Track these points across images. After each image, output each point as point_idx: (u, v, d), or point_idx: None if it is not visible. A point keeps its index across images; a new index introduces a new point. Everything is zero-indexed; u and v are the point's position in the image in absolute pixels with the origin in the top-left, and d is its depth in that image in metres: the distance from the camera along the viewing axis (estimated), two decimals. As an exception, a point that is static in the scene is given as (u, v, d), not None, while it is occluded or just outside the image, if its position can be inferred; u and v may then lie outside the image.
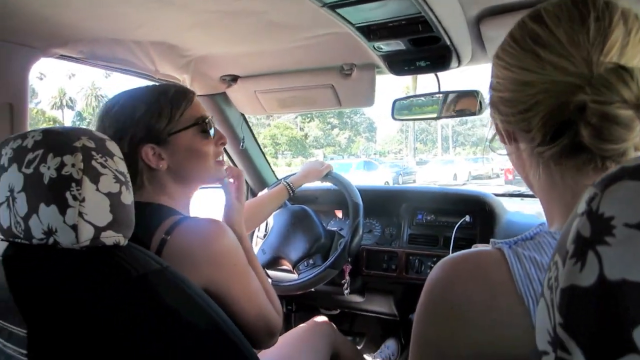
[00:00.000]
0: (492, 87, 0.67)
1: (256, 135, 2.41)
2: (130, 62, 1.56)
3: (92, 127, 1.04)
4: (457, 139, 51.36)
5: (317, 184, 2.10)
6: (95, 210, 0.78)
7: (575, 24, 0.57)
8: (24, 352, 0.86)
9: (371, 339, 2.51)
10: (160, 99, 1.11)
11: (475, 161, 25.28)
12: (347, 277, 1.93)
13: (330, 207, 2.35)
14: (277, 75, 1.89)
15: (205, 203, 1.82)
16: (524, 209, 2.08)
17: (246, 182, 2.43)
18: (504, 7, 1.20)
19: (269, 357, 1.43)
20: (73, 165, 0.76)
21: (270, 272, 2.04)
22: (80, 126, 1.09)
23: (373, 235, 2.16)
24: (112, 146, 0.85)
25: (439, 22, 1.20)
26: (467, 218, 1.94)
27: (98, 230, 0.78)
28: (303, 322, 1.83)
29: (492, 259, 0.59)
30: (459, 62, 1.53)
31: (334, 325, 1.87)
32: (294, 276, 1.93)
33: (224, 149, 2.23)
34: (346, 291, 1.95)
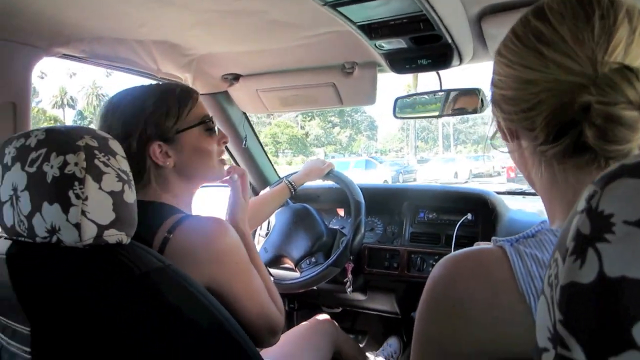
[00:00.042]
0: (494, 85, 0.66)
1: (257, 134, 2.41)
2: (132, 61, 1.57)
3: (93, 126, 1.05)
4: (459, 137, 51.26)
5: (319, 183, 2.10)
6: (98, 209, 0.78)
7: (579, 22, 0.56)
8: (28, 349, 0.86)
9: (373, 337, 2.51)
10: (168, 97, 1.12)
11: (476, 159, 25.14)
12: (350, 276, 1.93)
13: (332, 205, 2.36)
14: (279, 73, 1.89)
15: (205, 202, 1.83)
16: (526, 207, 2.08)
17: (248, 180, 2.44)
18: (505, 5, 1.20)
19: (271, 355, 1.43)
20: (76, 164, 0.77)
21: (272, 270, 2.05)
22: (82, 125, 1.10)
23: (375, 234, 2.17)
24: (115, 145, 0.85)
25: (441, 21, 1.20)
26: (469, 216, 1.94)
27: (101, 228, 0.78)
28: (305, 320, 1.84)
29: (494, 256, 0.59)
30: (461, 60, 1.53)
31: (336, 324, 1.87)
32: (296, 274, 1.93)
33: (227, 147, 2.25)
34: (349, 289, 1.95)
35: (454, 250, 1.71)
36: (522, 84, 0.60)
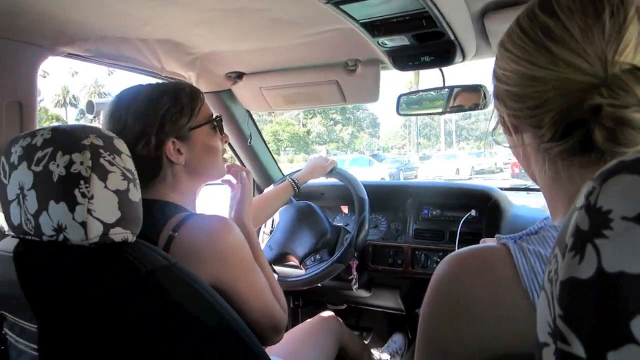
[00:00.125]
0: (498, 79, 0.65)
1: (261, 132, 2.42)
2: (136, 60, 1.57)
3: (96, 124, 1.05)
4: (461, 133, 51.05)
5: (323, 180, 2.10)
6: (104, 207, 0.79)
7: (589, 19, 0.54)
8: (35, 347, 0.87)
9: (378, 333, 2.52)
10: (181, 95, 1.13)
11: (478, 155, 24.92)
12: (355, 273, 1.94)
13: (335, 202, 2.36)
14: (282, 71, 1.89)
15: (209, 200, 1.84)
16: (530, 203, 2.08)
17: (252, 178, 2.45)
18: (507, 1, 1.20)
19: (276, 352, 1.44)
20: (81, 163, 0.78)
21: (277, 267, 2.05)
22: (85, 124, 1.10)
23: (379, 231, 2.16)
24: (120, 144, 0.86)
25: (443, 17, 1.20)
26: (473, 212, 1.94)
27: (107, 227, 0.79)
28: (310, 317, 1.85)
29: (498, 254, 0.59)
30: (464, 57, 1.52)
31: (341, 320, 1.88)
32: (301, 272, 1.94)
33: (231, 146, 2.26)
34: (355, 287, 1.95)
35: (458, 247, 1.71)
36: (529, 81, 0.58)
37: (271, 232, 2.19)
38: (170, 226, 1.00)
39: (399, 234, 2.12)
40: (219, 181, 1.34)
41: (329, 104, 2.05)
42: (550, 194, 0.65)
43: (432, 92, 1.75)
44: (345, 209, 2.35)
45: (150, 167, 1.09)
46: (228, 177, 1.39)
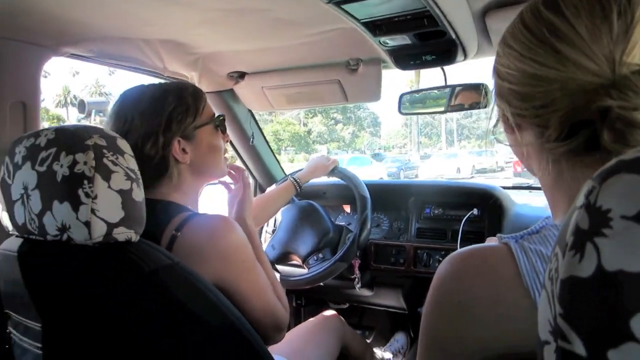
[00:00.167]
0: (500, 76, 0.63)
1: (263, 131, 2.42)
2: (139, 60, 1.58)
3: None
4: (462, 132, 50.97)
5: (324, 179, 2.11)
6: (108, 207, 0.79)
7: (596, 18, 0.53)
8: (39, 345, 0.88)
9: (380, 332, 2.52)
10: (185, 94, 1.14)
11: (479, 154, 24.81)
12: (357, 272, 1.94)
13: (338, 202, 2.36)
14: (284, 71, 1.89)
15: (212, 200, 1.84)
16: (532, 201, 2.08)
17: (254, 178, 2.45)
18: (509, 0, 1.20)
19: (279, 351, 1.44)
20: (85, 163, 0.78)
21: (279, 267, 2.06)
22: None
23: (381, 230, 2.17)
24: (123, 144, 0.86)
25: (444, 16, 1.20)
26: (475, 211, 1.94)
27: (110, 226, 0.79)
28: (312, 316, 1.85)
29: (499, 253, 0.59)
30: (465, 56, 1.52)
31: (343, 319, 1.88)
32: (304, 271, 1.94)
33: (233, 145, 2.27)
34: (357, 286, 1.96)
35: (460, 246, 1.71)
36: (535, 81, 0.57)
37: (273, 231, 2.20)
38: (173, 226, 1.01)
39: (401, 233, 2.12)
40: (215, 181, 1.35)
41: (331, 103, 2.06)
42: (552, 192, 0.65)
43: (434, 91, 1.76)
44: (347, 208, 2.35)
45: (158, 167, 1.10)
46: (224, 178, 1.39)
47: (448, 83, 1.71)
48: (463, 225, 1.89)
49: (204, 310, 0.86)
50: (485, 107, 1.62)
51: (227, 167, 1.33)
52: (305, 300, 2.51)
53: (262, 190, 2.43)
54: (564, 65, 0.53)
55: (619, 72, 0.51)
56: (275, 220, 2.26)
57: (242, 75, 1.95)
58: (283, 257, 2.01)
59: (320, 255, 1.91)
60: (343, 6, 1.14)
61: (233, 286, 1.01)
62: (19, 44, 1.24)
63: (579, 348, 0.31)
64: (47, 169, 0.80)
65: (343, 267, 1.84)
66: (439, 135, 49.47)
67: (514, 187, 2.29)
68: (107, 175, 0.80)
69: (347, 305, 2.50)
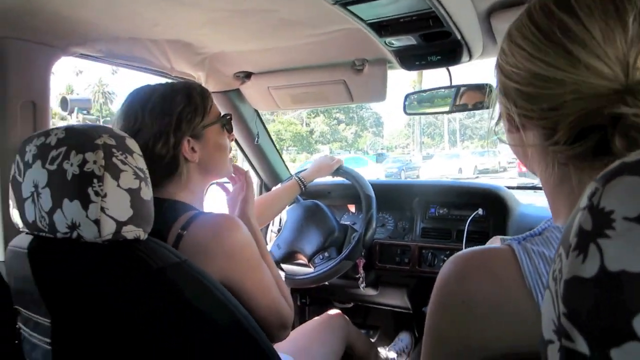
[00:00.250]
0: (506, 75, 0.61)
1: (269, 131, 2.42)
2: (147, 60, 1.59)
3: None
4: (465, 132, 50.69)
5: (329, 179, 2.11)
6: (117, 206, 0.80)
7: (610, 19, 0.51)
8: (48, 341, 0.89)
9: (385, 332, 2.52)
10: (193, 94, 1.15)
11: (481, 154, 24.52)
12: (362, 271, 1.95)
13: (342, 201, 2.37)
14: (290, 71, 1.90)
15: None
16: (537, 201, 2.07)
17: (260, 177, 2.46)
18: (514, 1, 1.20)
19: (284, 350, 1.45)
20: (95, 162, 0.79)
21: (285, 265, 2.06)
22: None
23: (386, 229, 2.17)
24: (132, 143, 0.87)
25: (450, 17, 1.20)
26: (480, 211, 1.93)
27: (119, 224, 0.80)
28: (317, 315, 1.86)
29: (502, 255, 0.59)
30: (470, 56, 1.53)
31: (348, 318, 1.89)
32: (309, 270, 1.95)
33: (239, 144, 2.28)
34: (362, 285, 1.96)
35: (465, 246, 1.71)
36: (545, 82, 0.54)
37: (279, 230, 2.20)
38: (179, 224, 1.02)
39: (406, 232, 2.12)
40: (213, 182, 1.36)
41: (336, 103, 2.06)
42: (554, 194, 0.64)
43: (439, 91, 1.76)
44: (352, 208, 2.36)
45: (168, 166, 1.11)
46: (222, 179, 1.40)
47: (453, 83, 1.71)
48: (468, 225, 1.89)
49: (211, 308, 0.87)
50: (489, 107, 1.63)
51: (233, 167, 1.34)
52: (309, 299, 2.52)
53: (268, 190, 2.44)
54: (575, 68, 0.52)
55: (633, 76, 0.49)
56: (280, 220, 2.26)
57: (248, 75, 1.96)
58: (289, 256, 2.01)
59: (326, 254, 1.91)
60: (349, 7, 1.15)
61: (238, 284, 1.02)
62: (29, 44, 1.25)
63: (583, 347, 0.31)
64: (58, 168, 0.81)
65: (349, 266, 1.85)
66: (442, 135, 49.29)
67: (518, 187, 2.28)
68: (116, 174, 0.81)
69: (351, 305, 2.50)
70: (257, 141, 2.25)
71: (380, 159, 27.97)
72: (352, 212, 2.35)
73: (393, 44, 1.43)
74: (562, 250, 0.36)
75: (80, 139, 0.83)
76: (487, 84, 1.61)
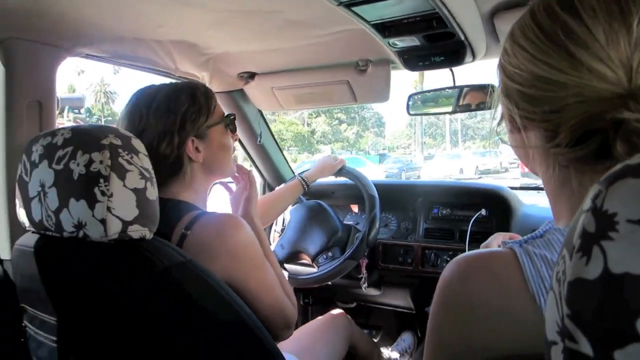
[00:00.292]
0: (509, 76, 0.60)
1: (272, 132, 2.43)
2: (151, 61, 1.60)
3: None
4: (467, 132, 50.53)
5: (332, 179, 2.11)
6: (123, 205, 0.81)
7: (614, 21, 0.50)
8: (54, 338, 0.89)
9: (387, 332, 2.52)
10: (197, 94, 1.16)
11: (483, 155, 24.25)
12: (364, 271, 1.95)
13: (346, 201, 2.37)
14: (294, 71, 1.91)
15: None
16: (540, 202, 2.07)
17: (263, 177, 2.47)
18: (517, 1, 1.20)
19: (287, 349, 1.45)
20: (101, 162, 0.80)
21: (289, 265, 2.07)
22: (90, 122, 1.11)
23: (389, 230, 2.17)
24: (137, 144, 0.88)
25: (453, 18, 1.21)
26: (483, 212, 1.93)
27: (125, 224, 0.81)
28: (320, 315, 1.86)
29: (505, 259, 0.59)
30: (474, 57, 1.53)
31: (351, 318, 1.89)
32: (312, 269, 1.95)
33: (243, 145, 2.28)
34: (364, 285, 1.96)
35: (468, 246, 1.70)
36: (546, 84, 0.54)
37: (282, 230, 2.21)
38: (183, 224, 1.02)
39: (409, 233, 2.12)
40: (216, 182, 1.36)
41: (340, 103, 2.06)
42: (556, 196, 0.64)
43: (442, 92, 1.76)
44: (355, 208, 2.36)
45: (172, 166, 1.11)
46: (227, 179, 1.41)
47: (456, 84, 1.71)
48: (471, 225, 1.88)
49: (216, 307, 0.87)
50: (492, 108, 1.62)
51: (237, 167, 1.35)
52: (312, 299, 2.52)
53: (271, 190, 2.44)
54: (577, 71, 0.51)
55: (636, 81, 0.49)
56: (284, 220, 2.27)
57: (252, 75, 1.97)
58: (292, 256, 2.02)
59: (330, 254, 1.91)
60: (353, 8, 1.15)
61: (242, 283, 1.02)
62: (35, 44, 1.26)
63: (586, 348, 0.32)
64: (64, 168, 0.82)
65: (352, 265, 1.85)
66: (444, 135, 49.20)
67: (521, 188, 2.27)
68: (122, 174, 0.81)
69: (354, 305, 2.50)
70: (260, 141, 2.26)
71: (383, 159, 27.78)
72: (355, 213, 2.35)
73: (397, 44, 1.43)
74: (566, 252, 0.36)
75: (86, 139, 0.83)
76: (490, 85, 1.62)
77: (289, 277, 1.93)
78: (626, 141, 0.48)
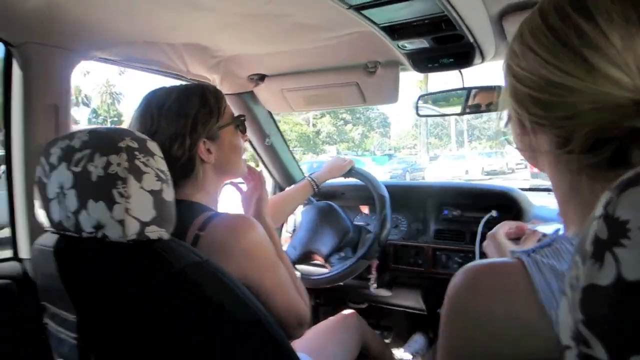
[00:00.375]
0: (517, 78, 0.58)
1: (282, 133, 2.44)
2: (163, 64, 1.63)
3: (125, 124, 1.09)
4: (473, 133, 50.20)
5: (342, 180, 2.11)
6: (140, 207, 0.82)
7: (631, 26, 0.48)
8: (75, 335, 0.91)
9: (399, 333, 2.51)
10: (208, 96, 1.17)
11: (489, 156, 24.08)
12: (374, 272, 1.95)
13: (355, 202, 2.37)
14: (303, 73, 1.92)
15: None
16: (550, 204, 2.05)
17: (273, 178, 2.48)
18: (526, 4, 1.21)
19: (301, 348, 1.45)
20: (118, 165, 0.81)
21: (300, 266, 2.06)
22: (98, 124, 1.13)
23: (399, 231, 2.17)
24: (153, 146, 0.89)
25: (462, 21, 1.21)
26: (494, 213, 1.90)
27: (143, 225, 0.82)
28: (330, 315, 1.86)
29: (513, 269, 0.57)
30: (483, 59, 1.53)
31: (362, 319, 1.89)
32: (324, 270, 1.96)
33: (253, 146, 2.29)
34: (373, 286, 1.96)
35: (478, 248, 1.68)
36: (560, 90, 0.52)
37: (293, 231, 2.22)
38: (197, 225, 1.03)
39: (420, 234, 2.12)
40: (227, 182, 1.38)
41: (349, 105, 2.07)
42: (566, 202, 0.63)
43: (451, 93, 1.77)
44: (365, 209, 2.36)
45: (184, 167, 1.13)
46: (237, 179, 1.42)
47: (463, 84, 1.71)
48: (482, 227, 1.85)
49: (233, 306, 0.88)
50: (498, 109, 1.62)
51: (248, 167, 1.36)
52: (324, 299, 2.52)
53: (281, 190, 2.45)
54: (592, 77, 0.49)
55: None
56: (295, 221, 2.28)
57: (262, 77, 1.99)
58: (305, 257, 2.02)
59: (342, 254, 1.91)
60: (362, 11, 1.16)
61: (256, 283, 1.03)
62: (51, 48, 1.29)
63: (601, 354, 0.32)
64: (83, 170, 0.84)
65: (365, 265, 1.86)
66: (450, 136, 48.95)
67: (531, 189, 2.25)
68: (139, 176, 0.83)
69: (365, 305, 2.49)
70: (268, 142, 2.28)
71: (390, 160, 27.48)
72: (365, 214, 2.35)
73: (406, 46, 1.44)
74: (579, 258, 0.36)
75: (103, 141, 0.85)
76: (498, 86, 1.62)
77: (301, 277, 1.94)
78: None
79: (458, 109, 1.74)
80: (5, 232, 1.40)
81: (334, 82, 1.90)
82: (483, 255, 1.36)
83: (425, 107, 1.82)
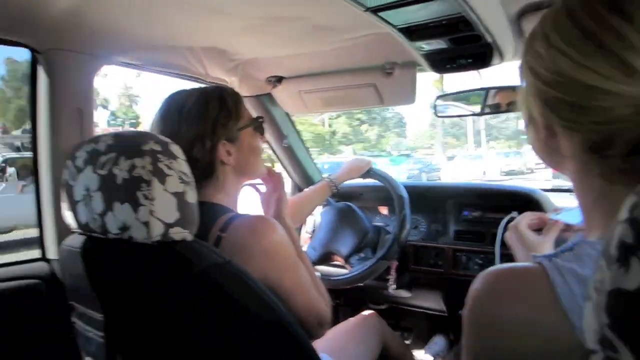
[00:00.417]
0: (542, 80, 0.56)
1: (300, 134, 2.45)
2: (183, 67, 1.66)
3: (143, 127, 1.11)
4: (491, 132, 49.56)
5: (361, 181, 2.10)
6: (164, 209, 0.83)
7: None
8: (102, 334, 0.93)
9: (419, 334, 2.50)
10: (227, 98, 1.19)
11: (506, 156, 23.42)
12: (394, 273, 1.95)
13: (374, 203, 2.36)
14: (321, 75, 1.93)
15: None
16: (573, 205, 2.03)
17: (292, 178, 2.49)
18: (543, 3, 1.19)
19: (322, 349, 1.46)
20: (143, 168, 0.83)
21: (320, 267, 2.07)
22: (116, 126, 1.14)
23: (419, 231, 2.16)
24: (176, 149, 0.90)
25: (480, 21, 1.21)
26: (515, 214, 1.82)
27: (167, 226, 0.83)
28: (350, 316, 1.86)
29: (535, 275, 0.57)
30: (502, 59, 1.52)
31: (382, 319, 1.89)
32: (344, 270, 1.96)
33: (271, 147, 2.31)
34: (392, 287, 1.96)
35: (498, 249, 1.66)
36: (595, 93, 0.50)
37: (313, 232, 2.22)
38: (218, 226, 1.05)
39: (440, 235, 2.10)
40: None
41: (366, 106, 2.07)
42: (589, 205, 0.61)
43: (469, 93, 1.76)
44: (384, 210, 2.35)
45: (205, 169, 1.14)
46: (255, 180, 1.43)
47: (483, 85, 1.71)
48: (502, 228, 1.82)
49: (256, 308, 0.89)
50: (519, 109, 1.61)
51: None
52: (344, 300, 2.52)
53: (300, 191, 2.46)
54: (633, 79, 0.47)
55: None
56: (314, 222, 2.28)
57: (280, 79, 2.00)
58: (324, 258, 2.03)
59: (362, 255, 1.91)
60: (380, 13, 1.17)
61: (277, 283, 1.03)
62: (75, 54, 1.32)
63: (627, 357, 0.32)
64: (108, 173, 0.85)
65: (385, 266, 1.86)
66: (467, 135, 48.41)
67: (553, 190, 2.21)
68: (162, 178, 0.84)
69: (385, 306, 2.48)
70: (286, 143, 2.29)
71: (407, 160, 27.06)
72: (383, 214, 2.35)
73: (423, 47, 1.44)
74: (604, 262, 0.36)
75: (128, 145, 0.87)
76: (517, 86, 1.60)
77: (321, 278, 1.94)
78: None
79: (477, 108, 1.74)
80: (33, 233, 1.43)
81: (352, 83, 1.90)
82: (503, 257, 1.35)
83: (443, 107, 1.82)
